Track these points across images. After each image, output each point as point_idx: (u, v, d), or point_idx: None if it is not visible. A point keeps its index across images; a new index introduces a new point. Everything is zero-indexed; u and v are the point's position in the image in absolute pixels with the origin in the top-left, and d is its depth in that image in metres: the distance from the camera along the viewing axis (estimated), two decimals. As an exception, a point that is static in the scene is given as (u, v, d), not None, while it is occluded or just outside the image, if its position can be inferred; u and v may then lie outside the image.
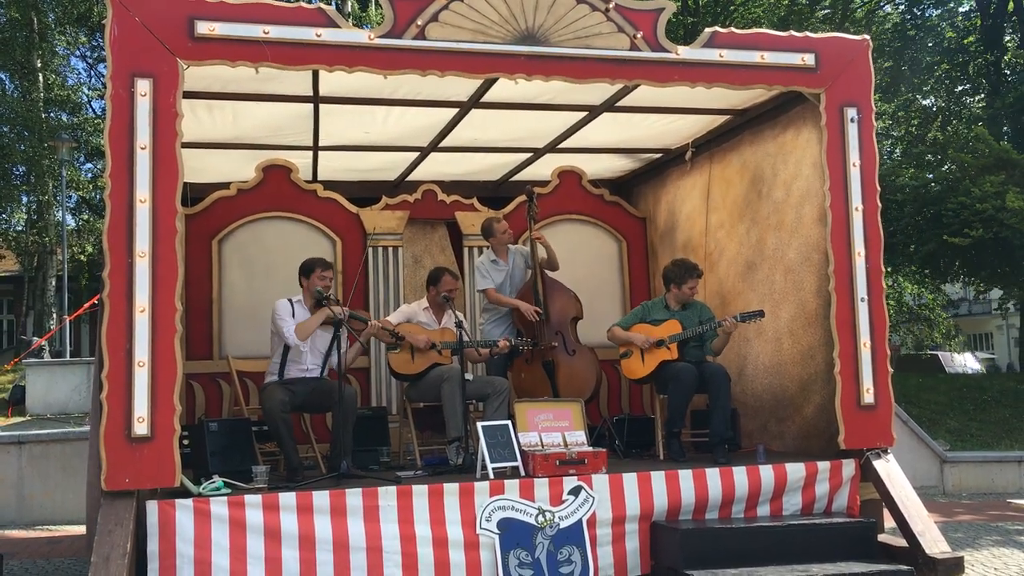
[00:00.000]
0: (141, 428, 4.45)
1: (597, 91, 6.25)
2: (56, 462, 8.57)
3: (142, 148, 4.59)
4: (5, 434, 9.26)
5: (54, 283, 22.21)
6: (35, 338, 17.68)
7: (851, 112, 5.63)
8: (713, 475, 5.28)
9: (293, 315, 5.85)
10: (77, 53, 24.75)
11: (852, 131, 5.63)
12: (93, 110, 23.85)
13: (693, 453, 6.26)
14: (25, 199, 23.67)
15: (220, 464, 5.28)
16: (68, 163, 20.43)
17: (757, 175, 6.82)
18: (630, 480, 5.15)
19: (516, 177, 8.43)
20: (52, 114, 22.21)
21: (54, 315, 21.51)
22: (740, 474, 5.32)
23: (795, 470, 5.41)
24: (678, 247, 7.84)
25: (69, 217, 23.81)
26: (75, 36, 23.19)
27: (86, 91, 23.93)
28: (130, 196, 4.56)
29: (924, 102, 20.35)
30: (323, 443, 6.26)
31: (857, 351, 5.53)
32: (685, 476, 5.24)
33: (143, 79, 4.62)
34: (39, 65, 21.87)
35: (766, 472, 5.35)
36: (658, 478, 5.19)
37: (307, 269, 5.97)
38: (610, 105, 6.54)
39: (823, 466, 5.47)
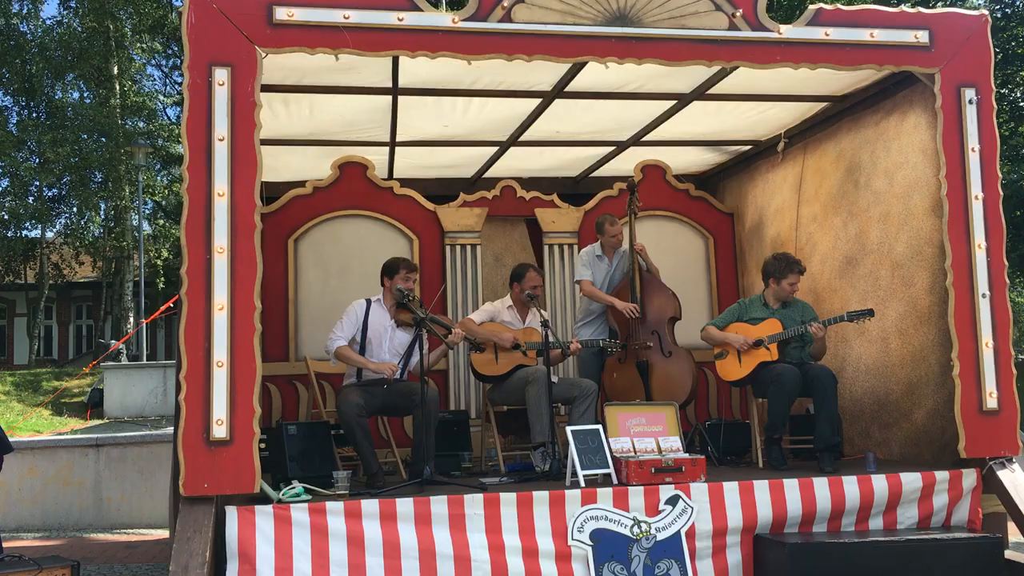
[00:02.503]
0: (220, 431, 4.27)
1: (688, 78, 5.96)
2: (133, 465, 8.54)
3: (220, 140, 4.42)
4: (83, 437, 9.30)
5: (131, 288, 22.61)
6: (112, 341, 17.95)
7: (969, 93, 5.21)
8: (821, 485, 4.90)
9: (367, 317, 5.65)
10: (153, 62, 25.22)
11: (971, 113, 5.21)
12: (168, 117, 24.24)
13: (793, 461, 5.88)
14: (103, 205, 24.15)
15: (299, 469, 5.12)
16: (144, 168, 20.77)
17: (853, 164, 6.42)
18: (731, 489, 4.80)
19: (597, 173, 8.17)
20: (129, 122, 22.63)
21: (131, 319, 21.90)
22: (850, 484, 4.92)
23: (911, 480, 5.00)
24: (767, 243, 7.48)
25: (145, 223, 24.21)
26: (150, 44, 23.61)
27: (161, 98, 24.33)
28: (208, 190, 4.39)
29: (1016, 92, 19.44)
30: (402, 447, 6.08)
31: (978, 351, 5.10)
32: (791, 486, 4.87)
33: (221, 68, 4.45)
34: (116, 72, 22.29)
35: (879, 482, 4.96)
36: (761, 487, 4.84)
37: (391, 270, 5.75)
38: (701, 93, 6.21)
39: (941, 476, 5.05)
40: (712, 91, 6.18)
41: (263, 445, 5.02)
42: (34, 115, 23.66)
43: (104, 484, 8.48)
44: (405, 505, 4.47)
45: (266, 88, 5.26)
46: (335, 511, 4.39)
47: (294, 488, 4.60)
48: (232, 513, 4.25)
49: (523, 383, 5.77)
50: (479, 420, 6.70)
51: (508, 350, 5.94)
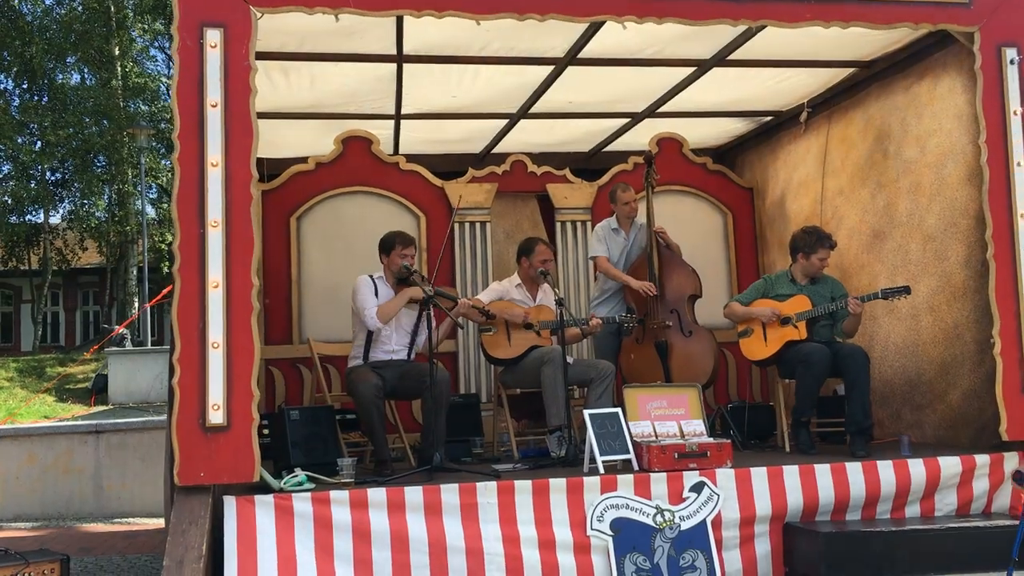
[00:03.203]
0: (216, 416, 4.00)
1: (708, 42, 5.66)
2: (134, 452, 8.32)
3: (213, 106, 4.13)
4: (83, 423, 9.08)
5: (135, 273, 22.37)
6: (116, 326, 17.72)
7: (1010, 53, 4.91)
8: (855, 470, 4.62)
9: (376, 293, 5.39)
10: (155, 43, 24.89)
11: (1012, 74, 4.91)
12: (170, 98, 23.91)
13: (821, 445, 5.61)
14: (107, 190, 23.88)
15: (302, 456, 4.86)
16: (147, 150, 20.47)
17: (883, 132, 6.11)
18: (759, 475, 4.52)
19: (610, 147, 7.86)
20: (131, 104, 22.33)
21: (136, 305, 21.67)
22: (886, 469, 4.64)
23: (949, 464, 4.72)
24: (790, 218, 7.18)
25: (149, 207, 23.93)
26: (151, 25, 23.28)
27: (164, 80, 23.99)
28: (201, 160, 4.11)
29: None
30: (410, 433, 5.82)
31: (1021, 328, 4.81)
32: (822, 471, 4.59)
33: (213, 29, 4.15)
34: (117, 54, 21.99)
35: (916, 467, 4.67)
36: (791, 473, 4.56)
37: (387, 245, 5.49)
38: (721, 58, 5.90)
39: (982, 460, 4.77)
40: (733, 56, 5.87)
41: (264, 431, 4.77)
42: (35, 98, 23.37)
43: (104, 472, 8.25)
44: (414, 494, 4.20)
45: (264, 56, 4.99)
46: (340, 501, 4.12)
47: (296, 476, 4.34)
48: (230, 503, 4.00)
49: (538, 364, 5.49)
50: (490, 404, 6.42)
51: (521, 330, 5.65)
